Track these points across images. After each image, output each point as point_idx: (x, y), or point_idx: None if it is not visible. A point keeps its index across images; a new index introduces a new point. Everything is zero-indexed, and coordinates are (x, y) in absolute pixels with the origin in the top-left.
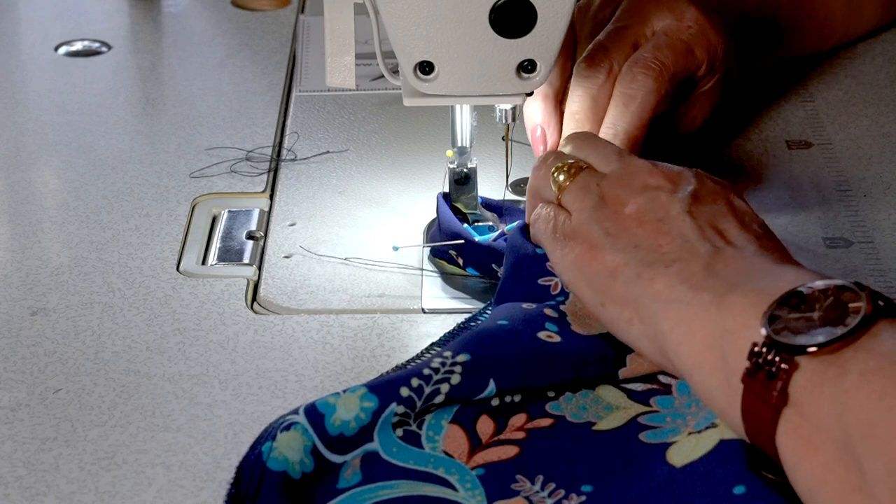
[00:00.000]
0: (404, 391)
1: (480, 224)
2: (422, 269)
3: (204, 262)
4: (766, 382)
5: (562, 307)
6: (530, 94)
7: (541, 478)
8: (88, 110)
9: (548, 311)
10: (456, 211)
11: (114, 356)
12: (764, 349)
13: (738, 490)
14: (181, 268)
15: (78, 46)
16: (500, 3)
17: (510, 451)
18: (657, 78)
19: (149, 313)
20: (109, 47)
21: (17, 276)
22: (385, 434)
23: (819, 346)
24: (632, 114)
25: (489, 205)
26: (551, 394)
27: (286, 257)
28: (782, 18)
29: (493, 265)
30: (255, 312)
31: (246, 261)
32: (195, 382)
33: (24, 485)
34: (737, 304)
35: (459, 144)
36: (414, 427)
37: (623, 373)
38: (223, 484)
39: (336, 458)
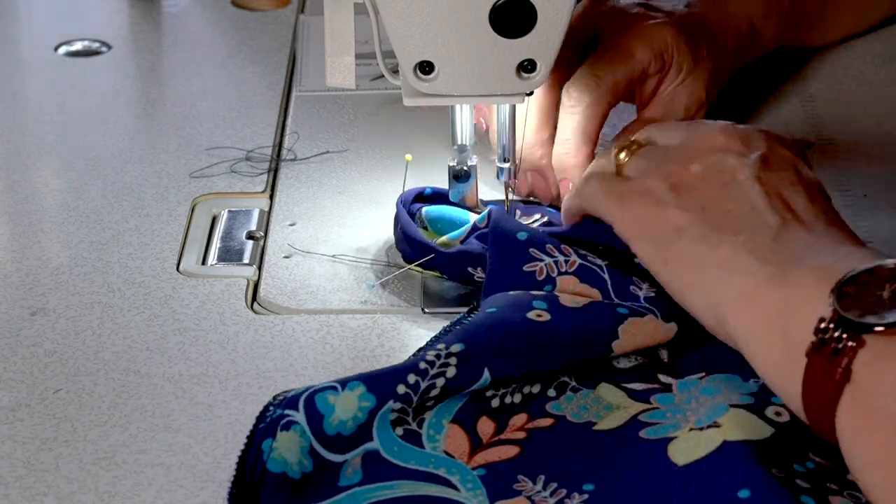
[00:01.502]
0: (401, 388)
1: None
2: (412, 268)
3: (204, 262)
4: (831, 358)
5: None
6: (530, 93)
7: (542, 477)
8: (88, 110)
9: (535, 293)
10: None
11: (114, 356)
12: (831, 325)
13: (743, 494)
14: (181, 268)
15: (78, 46)
16: (500, 3)
17: (511, 451)
18: (593, 92)
19: (149, 313)
20: (109, 47)
21: (17, 276)
22: (385, 432)
23: (888, 325)
24: (577, 123)
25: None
26: (552, 393)
27: (286, 257)
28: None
29: (469, 269)
30: (255, 312)
31: (246, 261)
32: (195, 382)
33: (24, 485)
34: (804, 279)
35: (459, 143)
36: (414, 426)
37: (616, 346)
38: (223, 484)
39: (336, 458)
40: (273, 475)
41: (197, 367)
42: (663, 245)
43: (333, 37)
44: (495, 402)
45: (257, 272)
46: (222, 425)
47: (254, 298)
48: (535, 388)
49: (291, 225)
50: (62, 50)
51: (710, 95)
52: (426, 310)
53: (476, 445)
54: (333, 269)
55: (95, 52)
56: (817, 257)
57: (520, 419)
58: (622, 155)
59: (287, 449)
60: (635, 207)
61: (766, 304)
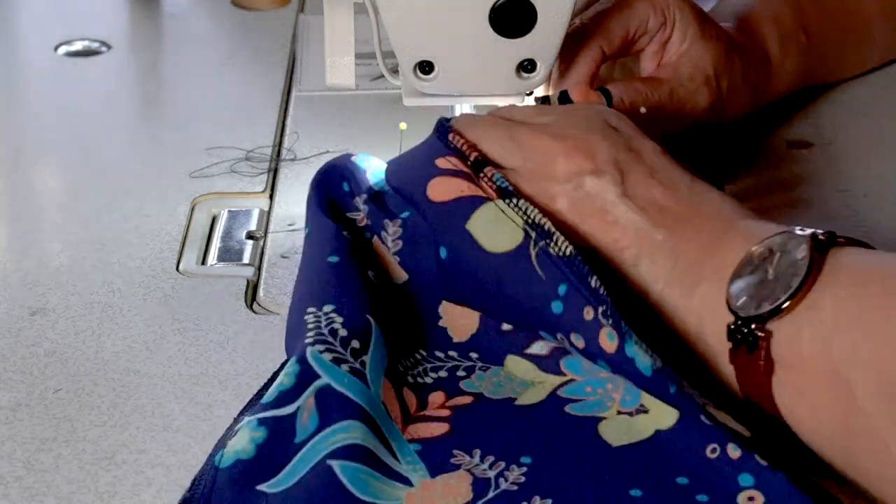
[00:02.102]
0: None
1: None
2: None
3: (204, 262)
4: (749, 356)
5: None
6: (530, 93)
7: (478, 451)
8: (88, 110)
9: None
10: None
11: (113, 356)
12: (739, 324)
13: (682, 480)
14: (181, 268)
15: (78, 46)
16: (500, 2)
17: (441, 429)
18: (587, 46)
19: (148, 313)
20: (109, 47)
21: (16, 276)
22: (330, 369)
23: (782, 304)
24: (570, 74)
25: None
26: (462, 374)
27: (285, 257)
28: (814, 37)
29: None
30: (255, 312)
31: (245, 261)
32: (195, 382)
33: (23, 485)
34: (704, 296)
35: None
36: (357, 364)
37: None
38: None
39: (288, 409)
40: (225, 469)
41: (196, 367)
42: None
43: (333, 37)
44: (409, 379)
45: (257, 272)
46: (222, 425)
47: (253, 298)
48: (443, 373)
49: (291, 225)
50: (62, 50)
51: (720, 80)
52: None
53: (406, 415)
54: None
55: (95, 52)
56: (708, 259)
57: (438, 397)
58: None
59: (236, 443)
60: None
61: (688, 331)
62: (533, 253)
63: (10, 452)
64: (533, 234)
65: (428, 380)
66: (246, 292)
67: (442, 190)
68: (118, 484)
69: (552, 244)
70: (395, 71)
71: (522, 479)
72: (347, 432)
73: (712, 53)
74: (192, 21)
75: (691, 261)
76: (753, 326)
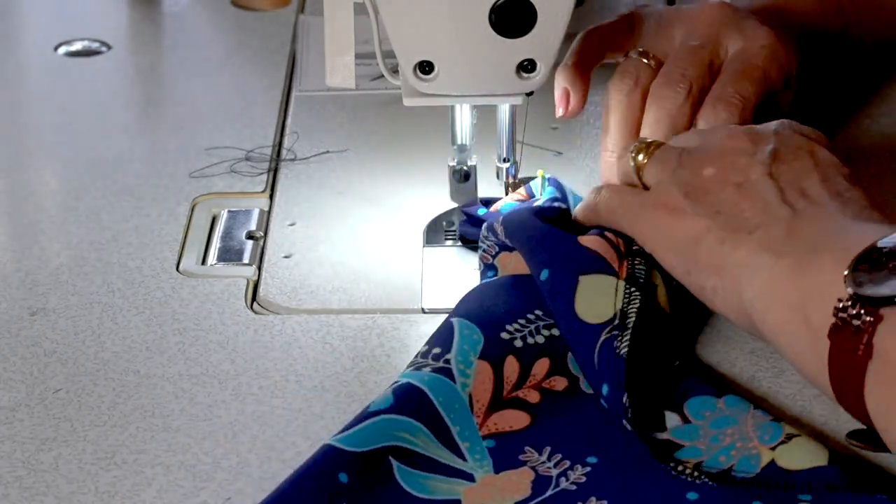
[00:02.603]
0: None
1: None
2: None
3: (204, 262)
4: (852, 337)
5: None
6: (530, 94)
7: (548, 449)
8: (88, 110)
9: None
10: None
11: (113, 356)
12: (848, 304)
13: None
14: (181, 268)
15: (78, 46)
16: (500, 3)
17: (522, 421)
18: (739, 114)
19: (148, 313)
20: (109, 47)
21: (16, 276)
22: (411, 375)
23: None
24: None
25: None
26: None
27: (286, 257)
28: (846, 16)
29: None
30: (255, 312)
31: (246, 261)
32: (195, 382)
33: (23, 485)
34: (818, 265)
35: (459, 142)
36: (440, 364)
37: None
38: (223, 484)
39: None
40: None
41: (196, 367)
42: (683, 254)
43: (333, 37)
44: (518, 343)
45: (257, 272)
46: (222, 425)
47: (254, 298)
48: (556, 331)
49: (291, 225)
50: (62, 50)
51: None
52: (426, 310)
53: (497, 394)
54: (333, 270)
55: (95, 52)
56: (832, 241)
57: (542, 367)
58: (640, 156)
59: None
60: (652, 220)
61: (786, 297)
62: (602, 337)
63: (10, 452)
64: (617, 321)
65: (540, 338)
66: (246, 292)
67: (591, 241)
68: (118, 484)
69: (619, 338)
70: (395, 71)
71: (583, 479)
72: (412, 434)
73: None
74: (191, 21)
75: (813, 234)
76: (864, 309)
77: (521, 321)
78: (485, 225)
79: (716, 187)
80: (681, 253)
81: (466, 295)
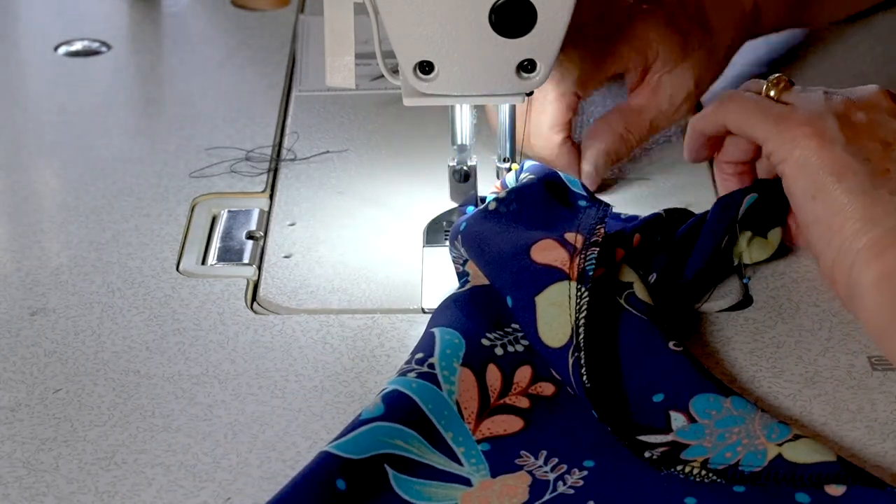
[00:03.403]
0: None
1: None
2: None
3: (204, 262)
4: None
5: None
6: (530, 93)
7: (544, 453)
8: (88, 110)
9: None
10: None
11: (113, 356)
12: None
13: (738, 489)
14: (181, 268)
15: (78, 46)
16: (500, 3)
17: (515, 425)
18: (558, 86)
19: (148, 313)
20: (109, 47)
21: (16, 276)
22: (397, 381)
23: None
24: (548, 116)
25: None
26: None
27: (286, 257)
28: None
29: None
30: (255, 312)
31: (246, 261)
32: (195, 382)
33: (23, 485)
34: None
35: (459, 142)
36: (425, 368)
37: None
38: (223, 484)
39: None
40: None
41: (197, 367)
42: (819, 181)
43: (333, 37)
44: (499, 351)
45: (257, 272)
46: (222, 425)
47: (254, 298)
48: None
49: (291, 225)
50: (62, 50)
51: (702, 84)
52: (426, 310)
53: (485, 403)
54: (333, 270)
55: (95, 52)
56: None
57: (524, 374)
58: (772, 92)
59: None
60: (796, 131)
61: (892, 257)
62: (570, 361)
63: (10, 452)
64: (574, 340)
65: (519, 347)
66: (246, 292)
67: (542, 248)
68: (118, 484)
69: (581, 359)
70: (395, 71)
71: (581, 482)
72: (406, 441)
73: (694, 67)
74: (191, 21)
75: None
76: None
77: (499, 332)
78: (451, 231)
79: (865, 135)
80: (817, 179)
81: (441, 305)
